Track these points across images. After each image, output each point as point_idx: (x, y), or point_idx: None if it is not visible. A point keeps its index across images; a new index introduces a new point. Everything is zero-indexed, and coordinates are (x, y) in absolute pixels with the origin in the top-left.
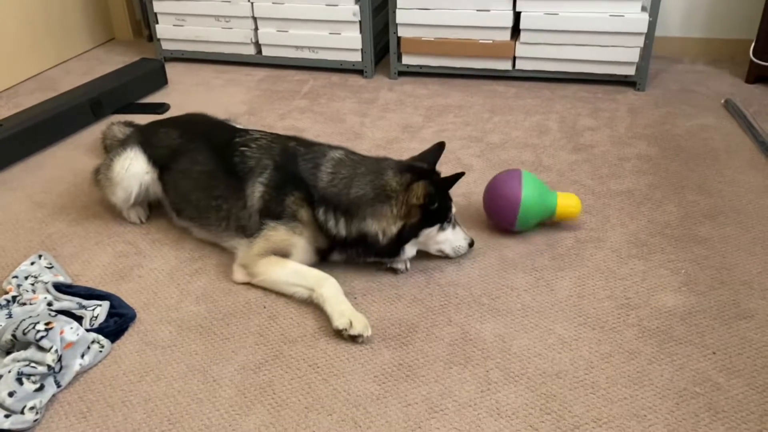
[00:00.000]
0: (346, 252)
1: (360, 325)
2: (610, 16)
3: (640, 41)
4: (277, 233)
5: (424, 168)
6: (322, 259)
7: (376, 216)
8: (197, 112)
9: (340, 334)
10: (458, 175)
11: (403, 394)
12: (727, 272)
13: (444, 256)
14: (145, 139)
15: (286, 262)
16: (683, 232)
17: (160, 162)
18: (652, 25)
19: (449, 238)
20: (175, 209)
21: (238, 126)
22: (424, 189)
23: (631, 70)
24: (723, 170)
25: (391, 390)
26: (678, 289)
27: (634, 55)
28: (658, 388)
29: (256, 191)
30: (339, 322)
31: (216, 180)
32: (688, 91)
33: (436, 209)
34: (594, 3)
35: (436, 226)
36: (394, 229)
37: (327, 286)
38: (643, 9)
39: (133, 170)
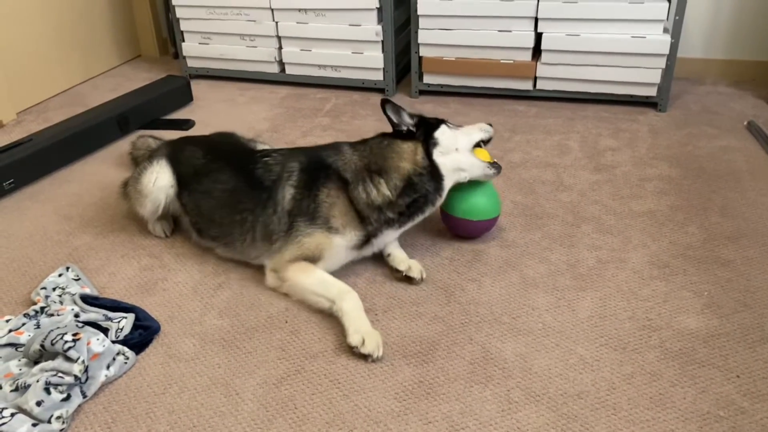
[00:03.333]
0: (398, 222)
1: (372, 344)
2: (632, 37)
3: (662, 62)
4: (311, 239)
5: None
6: (365, 245)
7: (403, 156)
8: (226, 132)
9: (352, 350)
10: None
11: (423, 412)
12: (750, 295)
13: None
14: (172, 153)
15: (314, 270)
16: (706, 254)
17: (183, 180)
18: (674, 46)
19: (474, 159)
20: (196, 229)
21: (261, 146)
22: (418, 121)
23: (652, 91)
24: (746, 192)
25: (411, 407)
26: (701, 311)
27: (655, 76)
28: (681, 411)
29: (287, 194)
30: (352, 339)
31: (240, 195)
32: (710, 113)
33: (428, 121)
34: (616, 24)
35: (442, 127)
36: (419, 156)
37: (348, 300)
38: (665, 30)
39: (161, 183)
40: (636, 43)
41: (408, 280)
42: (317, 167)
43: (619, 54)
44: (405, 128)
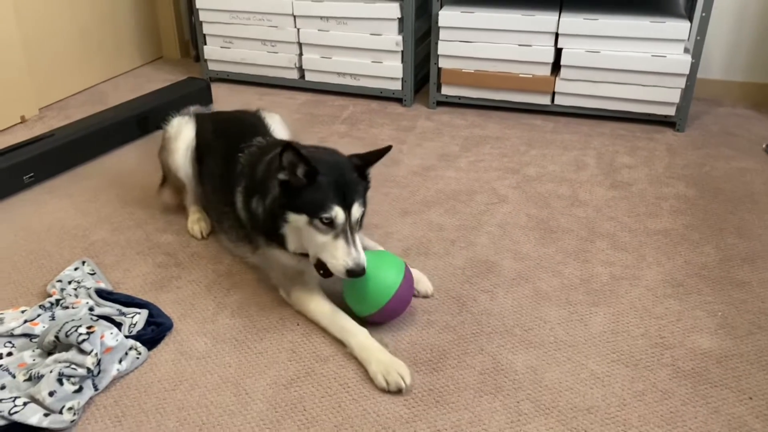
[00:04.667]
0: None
1: (393, 379)
2: (652, 56)
3: (682, 82)
4: (274, 258)
5: (339, 157)
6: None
7: (270, 191)
8: (250, 111)
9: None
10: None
11: (432, 420)
12: (765, 317)
13: (325, 273)
14: (198, 119)
15: (311, 299)
16: (721, 275)
17: (198, 149)
18: (694, 66)
19: (329, 248)
20: (204, 207)
21: (265, 119)
22: (287, 156)
23: (671, 111)
24: (763, 214)
25: (420, 415)
26: (714, 331)
27: (674, 96)
28: (692, 430)
29: (238, 201)
30: (377, 382)
31: (224, 185)
32: (728, 134)
33: (299, 190)
34: (636, 43)
35: (303, 218)
36: (271, 201)
37: (353, 341)
38: (686, 50)
39: (187, 130)
40: (656, 61)
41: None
42: (254, 175)
43: (639, 72)
44: (283, 177)
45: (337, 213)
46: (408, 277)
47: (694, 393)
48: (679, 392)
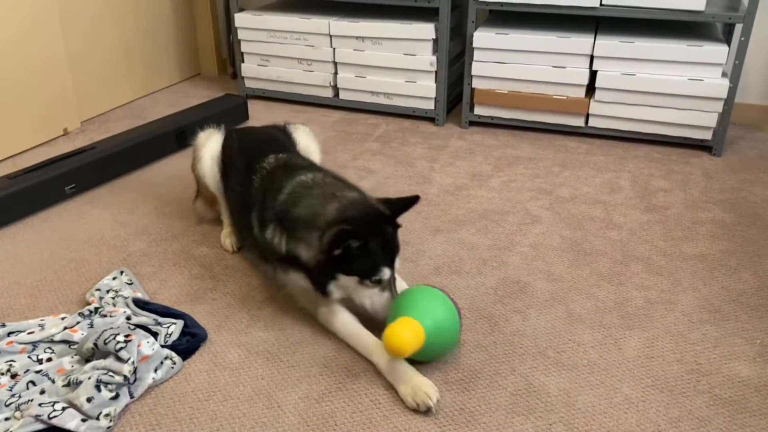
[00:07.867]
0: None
1: (421, 399)
2: (689, 80)
3: (719, 106)
4: (298, 282)
5: (374, 212)
6: None
7: (305, 240)
8: (279, 125)
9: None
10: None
11: None
12: None
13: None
14: (225, 134)
15: (336, 317)
16: (760, 302)
17: (225, 164)
18: (732, 91)
19: (373, 297)
20: (230, 222)
21: (292, 134)
22: (331, 237)
23: (707, 135)
24: None
25: None
26: (753, 359)
27: (711, 120)
28: None
29: (255, 224)
30: (406, 403)
31: (246, 204)
32: (766, 160)
33: (351, 259)
34: (673, 66)
35: (354, 279)
36: (312, 260)
37: (382, 365)
38: (724, 74)
39: (214, 140)
40: (693, 85)
41: None
42: (266, 200)
43: (675, 96)
44: (338, 253)
45: (386, 273)
46: (457, 307)
47: (732, 422)
48: (716, 420)
